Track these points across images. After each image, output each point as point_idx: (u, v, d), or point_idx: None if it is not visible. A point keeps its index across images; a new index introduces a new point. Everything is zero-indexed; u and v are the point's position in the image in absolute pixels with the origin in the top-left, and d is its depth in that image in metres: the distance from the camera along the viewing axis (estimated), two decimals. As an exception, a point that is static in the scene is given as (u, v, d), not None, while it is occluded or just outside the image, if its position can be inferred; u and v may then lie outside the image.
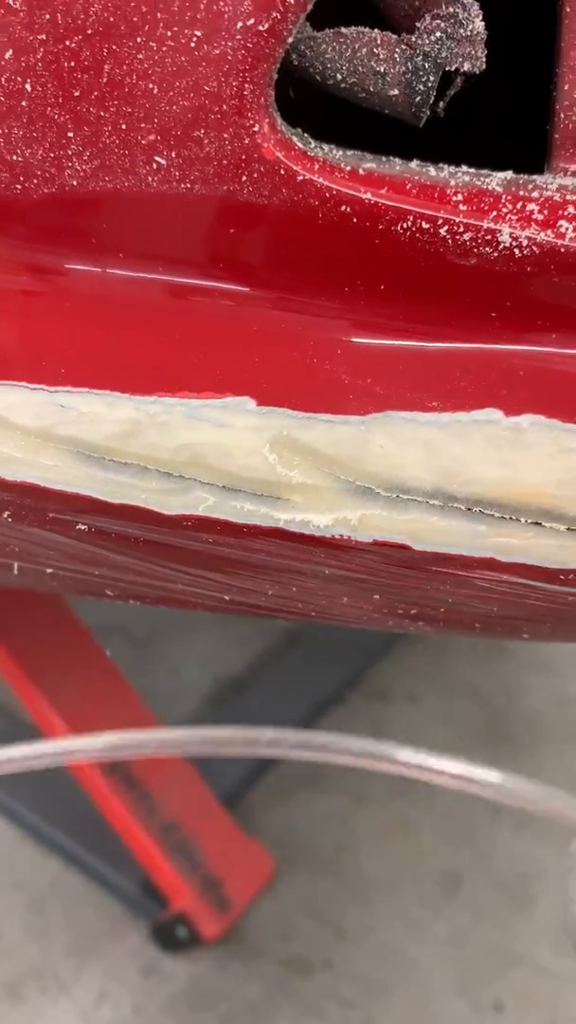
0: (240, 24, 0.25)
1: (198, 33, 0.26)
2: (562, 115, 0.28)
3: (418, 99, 0.27)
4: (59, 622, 1.05)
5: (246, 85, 0.26)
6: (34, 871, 1.16)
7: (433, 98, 0.27)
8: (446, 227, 0.27)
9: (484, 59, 0.28)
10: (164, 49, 0.26)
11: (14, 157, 0.28)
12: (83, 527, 0.31)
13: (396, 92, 0.27)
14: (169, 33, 0.26)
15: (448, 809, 1.24)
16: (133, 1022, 1.06)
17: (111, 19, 0.26)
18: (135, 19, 0.26)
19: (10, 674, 1.02)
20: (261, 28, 0.25)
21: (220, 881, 1.08)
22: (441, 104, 0.28)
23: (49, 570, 0.35)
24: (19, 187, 0.29)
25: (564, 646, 1.50)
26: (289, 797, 1.25)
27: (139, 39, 0.26)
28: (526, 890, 1.15)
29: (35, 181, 0.29)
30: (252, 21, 0.25)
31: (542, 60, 0.30)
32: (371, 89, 0.27)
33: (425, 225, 0.27)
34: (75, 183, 0.28)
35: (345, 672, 1.39)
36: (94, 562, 0.33)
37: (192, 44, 0.26)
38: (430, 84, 0.27)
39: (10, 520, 0.31)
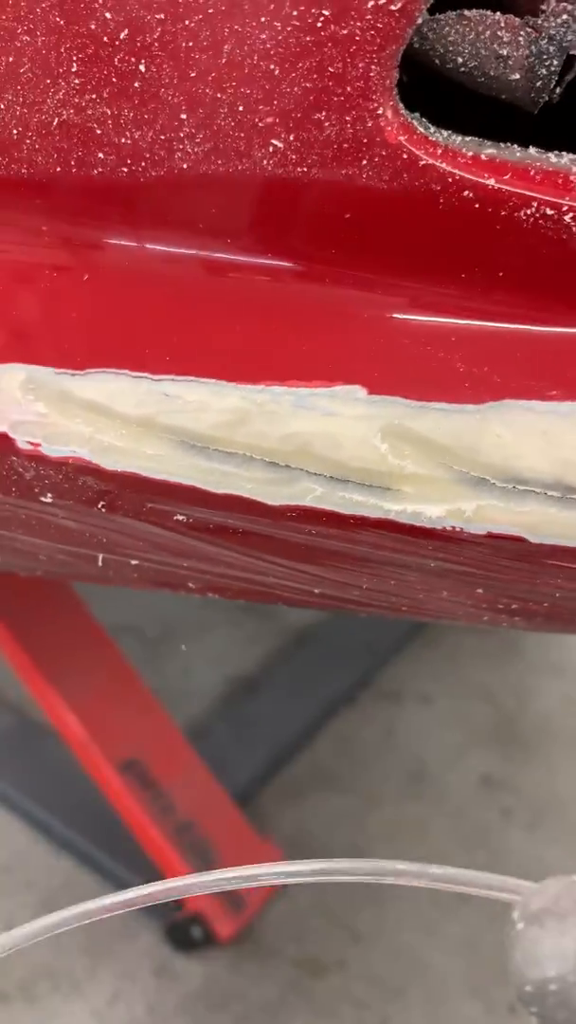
0: (372, 3, 0.25)
1: (326, 12, 0.25)
2: None
3: (539, 84, 0.27)
4: (74, 621, 1.04)
5: (372, 67, 0.26)
6: (47, 871, 1.15)
7: (554, 84, 0.27)
8: (571, 214, 0.26)
9: (605, 45, 0.27)
10: (289, 29, 0.26)
11: (122, 140, 0.28)
12: (181, 517, 0.30)
13: (518, 76, 0.27)
14: (295, 12, 0.25)
15: (460, 810, 1.24)
16: (147, 1022, 1.05)
17: (236, -2, 0.25)
18: (261, -2, 0.25)
19: (25, 672, 1.01)
20: (393, 7, 0.25)
21: (235, 881, 1.07)
22: (558, 89, 0.28)
23: (134, 562, 0.35)
24: (125, 170, 0.28)
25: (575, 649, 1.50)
26: (302, 797, 1.24)
27: (263, 19, 0.25)
28: (540, 891, 1.15)
29: (143, 164, 0.28)
30: (384, 0, 0.25)
31: None
32: (491, 73, 0.27)
33: (549, 212, 0.27)
34: (185, 166, 0.28)
35: (356, 672, 1.39)
36: (184, 553, 0.33)
37: (319, 24, 0.25)
38: (553, 68, 0.26)
39: (104, 511, 0.31)
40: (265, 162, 0.27)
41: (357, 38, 0.25)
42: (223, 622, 1.47)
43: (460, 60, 0.27)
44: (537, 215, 0.27)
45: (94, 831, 1.14)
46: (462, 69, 0.27)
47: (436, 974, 1.07)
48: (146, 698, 1.07)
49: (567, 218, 0.26)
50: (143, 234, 0.29)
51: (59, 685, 1.00)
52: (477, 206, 0.27)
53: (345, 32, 0.25)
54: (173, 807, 1.05)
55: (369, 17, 0.25)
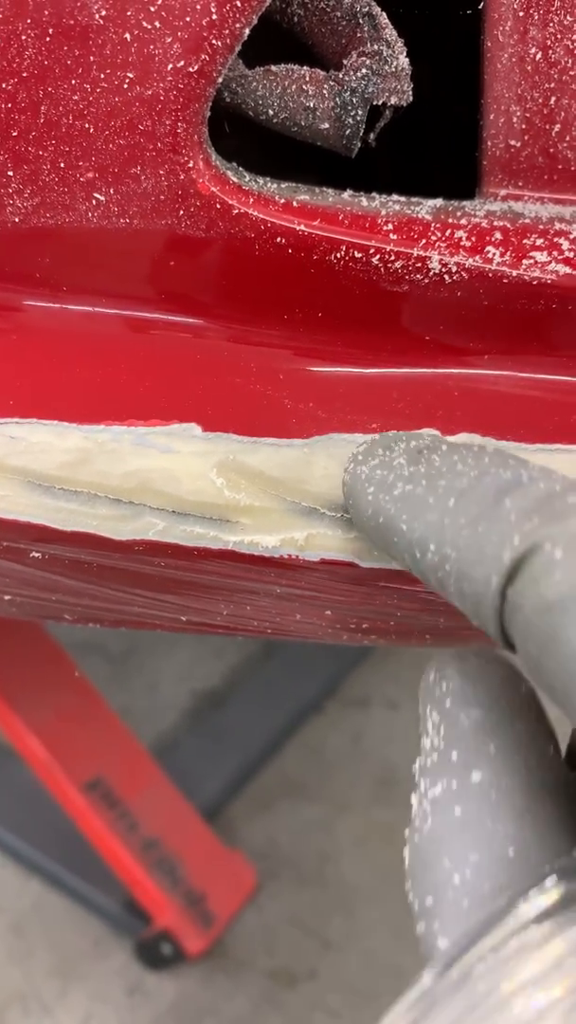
0: (171, 66, 0.26)
1: (130, 75, 0.27)
2: (489, 143, 0.29)
3: (348, 132, 0.28)
4: (31, 641, 1.04)
5: (179, 124, 0.27)
6: (16, 894, 1.15)
7: (363, 130, 0.28)
8: (378, 256, 0.28)
9: (410, 92, 0.29)
10: (99, 90, 0.27)
11: (-45, 196, 0.29)
12: (37, 555, 0.31)
13: (327, 126, 0.28)
14: (103, 75, 0.27)
15: (429, 813, 1.25)
16: (120, 1042, 1.05)
17: (46, 62, 0.27)
18: (69, 62, 0.27)
19: (-18, 695, 1.02)
20: (191, 70, 0.26)
21: (203, 896, 1.08)
22: (372, 135, 0.29)
23: (7, 596, 0.36)
24: (-38, 225, 0.29)
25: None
26: (270, 808, 1.25)
27: (74, 81, 0.27)
28: (508, 891, 1.17)
29: (-24, 219, 0.29)
30: (182, 63, 0.26)
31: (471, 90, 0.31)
32: (302, 123, 0.28)
33: (357, 254, 0.28)
34: (17, 220, 0.29)
35: (324, 680, 1.40)
36: (50, 588, 0.34)
37: (125, 85, 0.27)
38: (359, 117, 0.28)
39: (-36, 550, 0.32)
40: (90, 215, 0.28)
41: (162, 97, 0.27)
42: (187, 637, 1.47)
43: (271, 112, 0.28)
44: (346, 258, 0.28)
45: (62, 852, 1.14)
46: (274, 120, 0.28)
47: (408, 978, 1.07)
48: (107, 716, 1.07)
49: (375, 260, 0.28)
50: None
51: (18, 706, 1.01)
52: (290, 251, 0.28)
53: (150, 92, 0.27)
54: (138, 824, 1.05)
55: (170, 79, 0.26)
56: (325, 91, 0.28)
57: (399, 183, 0.31)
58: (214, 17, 0.25)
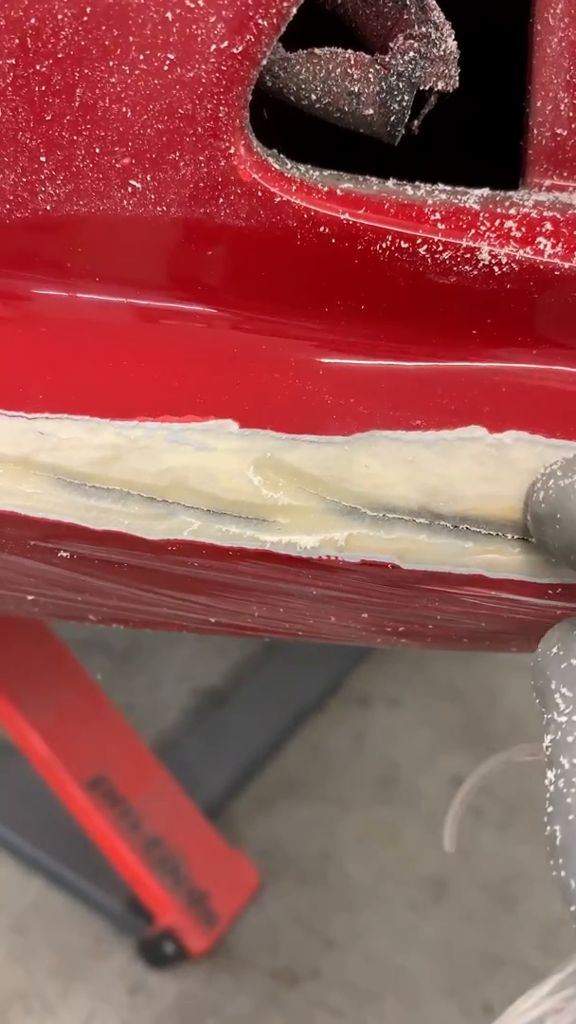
0: (214, 47, 0.25)
1: (171, 56, 0.26)
2: (535, 131, 0.29)
3: (393, 118, 0.27)
4: (36, 638, 1.04)
5: (221, 107, 0.26)
6: (17, 892, 1.15)
7: (408, 116, 0.27)
8: (425, 246, 0.27)
9: (457, 78, 0.28)
10: (137, 72, 0.26)
11: (-14, 182, 0.28)
12: (65, 554, 0.30)
13: (371, 111, 0.27)
14: (142, 56, 0.26)
15: (431, 812, 1.24)
16: (122, 1041, 1.05)
17: (82, 43, 0.26)
18: (107, 43, 0.26)
19: (-15, 692, 1.01)
20: (235, 51, 0.25)
21: (206, 895, 1.07)
22: (416, 122, 0.28)
23: (30, 597, 0.35)
24: (-9, 212, 0.28)
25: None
26: (272, 807, 1.24)
27: (111, 63, 0.26)
28: (510, 890, 1.16)
29: (7, 206, 0.28)
30: (226, 44, 0.25)
31: (515, 77, 0.30)
32: (346, 109, 0.27)
33: (404, 244, 0.27)
34: (48, 207, 0.28)
35: (325, 679, 1.39)
36: (77, 588, 0.33)
37: (165, 67, 0.26)
38: (404, 103, 0.27)
39: (-11, 549, 0.31)
40: (125, 202, 0.27)
41: (203, 80, 0.26)
42: (191, 635, 1.46)
43: (314, 97, 0.27)
44: (392, 248, 0.27)
45: (64, 850, 1.13)
46: (317, 105, 0.27)
47: (410, 978, 1.07)
48: (110, 714, 1.06)
49: (421, 250, 0.27)
50: (3, 274, 0.30)
51: (21, 704, 1.00)
52: (333, 241, 0.27)
53: (191, 75, 0.26)
54: (141, 823, 1.05)
55: (213, 60, 0.25)
56: (371, 75, 0.27)
57: (408, 171, 0.30)
58: (261, -5, 0.24)
